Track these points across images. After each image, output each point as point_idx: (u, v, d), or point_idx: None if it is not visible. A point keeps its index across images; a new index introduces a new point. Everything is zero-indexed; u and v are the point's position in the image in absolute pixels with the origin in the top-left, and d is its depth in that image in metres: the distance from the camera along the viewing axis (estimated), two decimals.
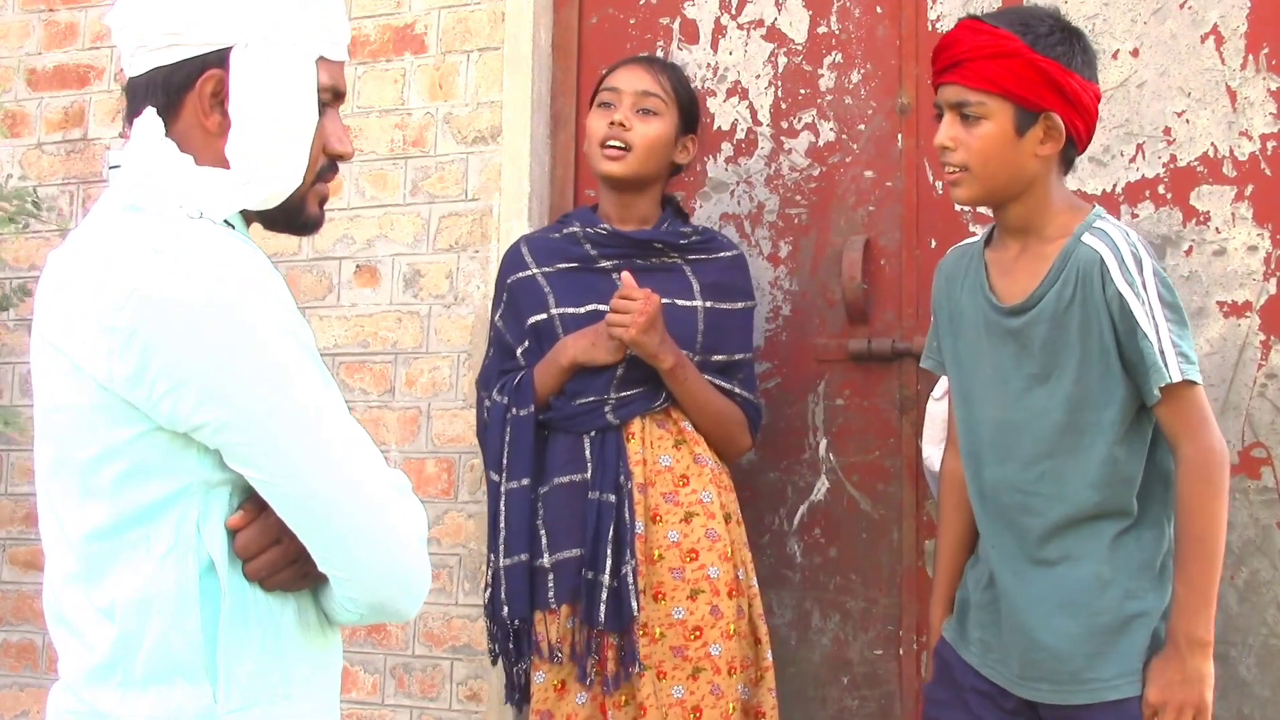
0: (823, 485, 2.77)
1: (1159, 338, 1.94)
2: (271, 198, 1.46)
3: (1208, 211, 2.54)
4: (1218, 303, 2.51)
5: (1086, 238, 2.00)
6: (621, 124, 2.51)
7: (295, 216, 1.50)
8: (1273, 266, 2.49)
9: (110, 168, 1.45)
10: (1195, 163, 2.55)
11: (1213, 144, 2.54)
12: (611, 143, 2.51)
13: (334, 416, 1.36)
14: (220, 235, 1.37)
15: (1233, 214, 2.52)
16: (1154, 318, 1.95)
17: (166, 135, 1.43)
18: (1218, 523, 1.96)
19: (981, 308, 2.11)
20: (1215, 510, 1.96)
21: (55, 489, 1.40)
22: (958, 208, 2.70)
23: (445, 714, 2.95)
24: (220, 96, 1.42)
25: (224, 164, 1.43)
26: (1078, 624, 2.01)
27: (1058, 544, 2.03)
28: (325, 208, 1.56)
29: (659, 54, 2.96)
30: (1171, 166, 2.57)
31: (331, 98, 1.49)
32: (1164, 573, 2.03)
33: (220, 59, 1.41)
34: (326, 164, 1.51)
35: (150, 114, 1.42)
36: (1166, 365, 1.93)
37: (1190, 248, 2.54)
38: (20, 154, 3.43)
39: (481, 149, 3.02)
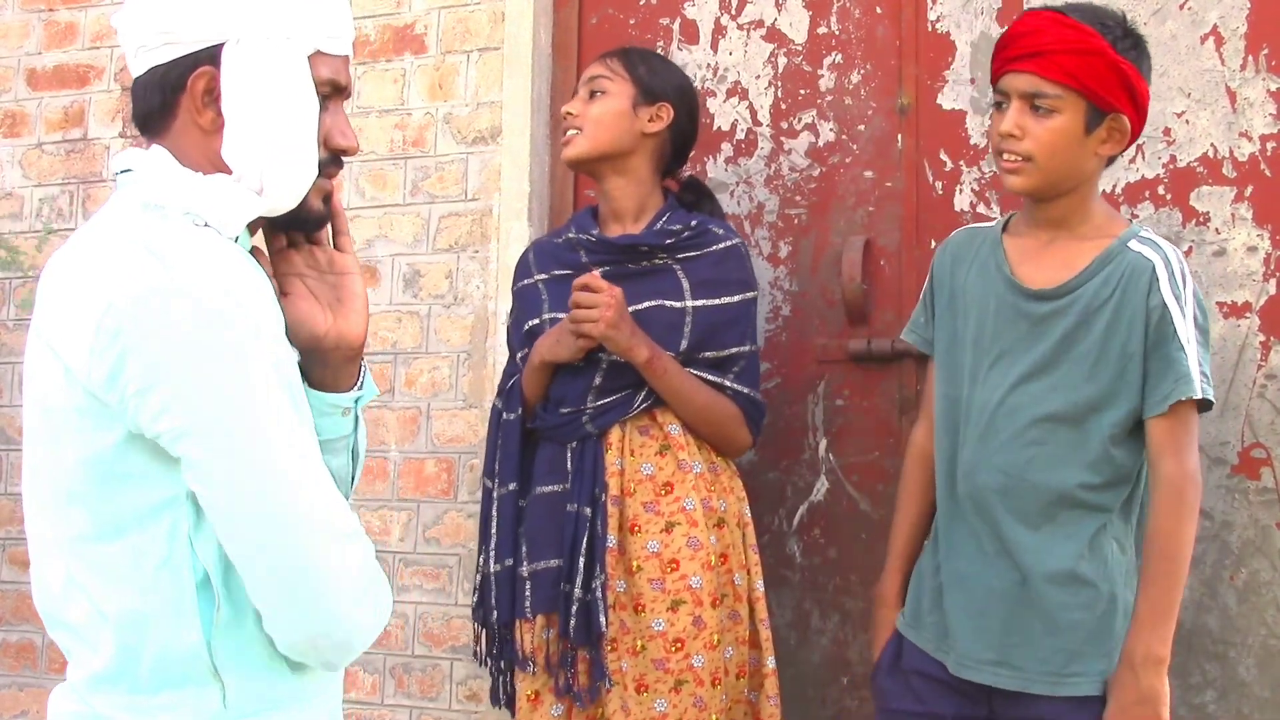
0: (822, 485, 2.77)
1: (1192, 353, 1.98)
2: (286, 202, 1.45)
3: (1207, 212, 2.54)
4: (1217, 303, 2.51)
5: (1135, 244, 2.05)
6: (570, 113, 2.52)
7: (298, 213, 1.48)
8: (1272, 267, 2.49)
9: (119, 172, 1.44)
10: (1195, 163, 2.55)
11: (1212, 144, 2.54)
12: (569, 132, 2.53)
13: (295, 451, 1.32)
14: (223, 248, 1.36)
15: (1232, 215, 2.52)
16: (1190, 333, 1.99)
17: (164, 135, 1.43)
18: (1187, 545, 1.99)
19: (996, 289, 2.12)
20: (1187, 532, 1.99)
21: (44, 491, 1.39)
22: (958, 208, 2.70)
23: (445, 714, 2.95)
24: (214, 94, 1.41)
25: (221, 165, 1.42)
26: (1051, 618, 2.02)
27: (1034, 532, 2.04)
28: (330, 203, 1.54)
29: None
30: (1171, 167, 2.57)
31: (332, 91, 1.47)
32: (1132, 575, 2.04)
33: (212, 56, 1.40)
34: (328, 158, 1.49)
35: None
36: (1194, 380, 1.97)
37: (1190, 248, 2.54)
38: (20, 154, 3.43)
39: (481, 149, 3.02)
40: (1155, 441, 2.00)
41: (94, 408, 1.32)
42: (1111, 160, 2.15)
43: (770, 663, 2.42)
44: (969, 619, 2.08)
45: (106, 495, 1.33)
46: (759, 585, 2.44)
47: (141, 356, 1.28)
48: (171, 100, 1.42)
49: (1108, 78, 2.00)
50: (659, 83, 2.54)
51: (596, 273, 2.38)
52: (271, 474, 1.30)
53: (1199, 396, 1.97)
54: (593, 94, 2.52)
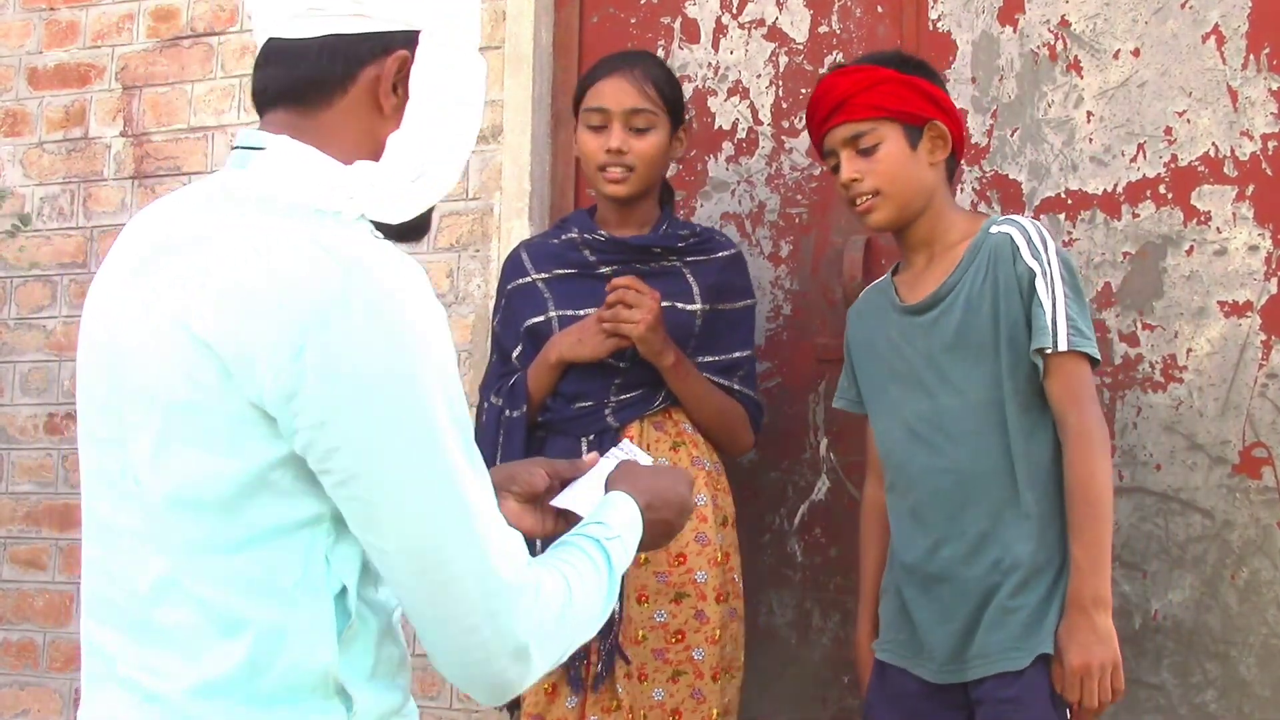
0: (823, 485, 2.77)
1: (1054, 307, 2.07)
2: (436, 199, 1.41)
3: (1209, 211, 2.54)
4: (1218, 302, 2.51)
5: (994, 228, 2.18)
6: (619, 150, 2.44)
7: (418, 221, 1.43)
8: (1273, 266, 2.49)
9: (235, 147, 1.36)
10: (1196, 162, 2.55)
11: (1214, 144, 2.54)
12: (612, 167, 2.46)
13: (467, 501, 1.25)
14: (408, 266, 1.27)
15: (1234, 214, 2.52)
16: (1052, 290, 2.09)
17: (324, 107, 1.34)
18: (1105, 487, 2.08)
19: (892, 320, 2.27)
20: (1102, 476, 2.08)
21: (159, 488, 1.28)
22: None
23: (445, 713, 2.95)
24: (403, 76, 1.36)
25: (372, 148, 1.36)
26: (1010, 604, 2.10)
27: (995, 520, 2.12)
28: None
29: (660, 54, 2.95)
30: (1172, 166, 2.57)
31: None
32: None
33: (407, 40, 1.35)
34: None
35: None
36: (1055, 333, 2.07)
37: (1191, 247, 2.54)
38: (21, 153, 3.43)
39: (482, 148, 3.02)
40: (1054, 401, 2.11)
41: (257, 419, 1.23)
42: (952, 171, 2.29)
43: (740, 656, 2.45)
44: (939, 624, 2.16)
45: (244, 506, 1.25)
46: (740, 584, 2.48)
47: (321, 385, 1.20)
48: (353, 73, 1.34)
49: (905, 95, 2.20)
50: (682, 108, 2.56)
51: (631, 279, 2.39)
52: (445, 529, 1.24)
53: (1063, 348, 2.06)
54: (638, 130, 2.46)
